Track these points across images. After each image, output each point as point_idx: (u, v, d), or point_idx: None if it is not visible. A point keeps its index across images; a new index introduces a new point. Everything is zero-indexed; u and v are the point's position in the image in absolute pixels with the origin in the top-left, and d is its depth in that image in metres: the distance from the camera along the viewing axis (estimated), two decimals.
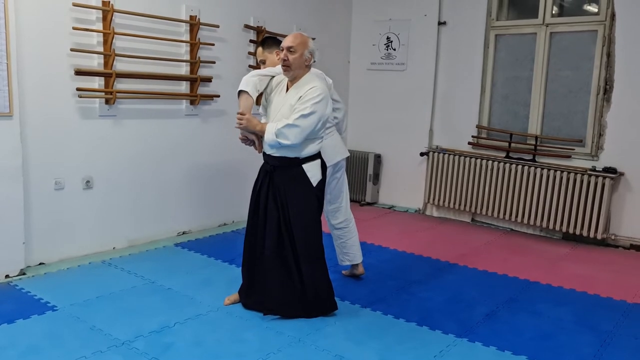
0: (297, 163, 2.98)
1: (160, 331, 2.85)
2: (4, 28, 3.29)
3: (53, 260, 3.78)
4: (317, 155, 3.05)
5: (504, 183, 5.10)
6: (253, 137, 3.03)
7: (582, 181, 4.68)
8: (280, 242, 3.00)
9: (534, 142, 5.05)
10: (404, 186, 5.90)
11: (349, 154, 3.64)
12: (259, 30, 4.95)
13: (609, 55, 4.63)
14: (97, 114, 3.91)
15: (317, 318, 3.05)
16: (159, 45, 4.21)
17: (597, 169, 4.67)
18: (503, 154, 5.19)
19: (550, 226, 4.86)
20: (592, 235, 4.65)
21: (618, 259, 4.40)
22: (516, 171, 5.02)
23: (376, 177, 6.04)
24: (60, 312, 3.03)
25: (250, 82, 3.00)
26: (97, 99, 3.89)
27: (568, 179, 4.74)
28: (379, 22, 5.89)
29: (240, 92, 2.99)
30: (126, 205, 4.17)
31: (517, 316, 3.20)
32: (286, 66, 2.92)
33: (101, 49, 3.83)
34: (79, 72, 3.71)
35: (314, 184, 3.01)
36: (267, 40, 3.45)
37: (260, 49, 3.44)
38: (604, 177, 4.58)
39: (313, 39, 3.08)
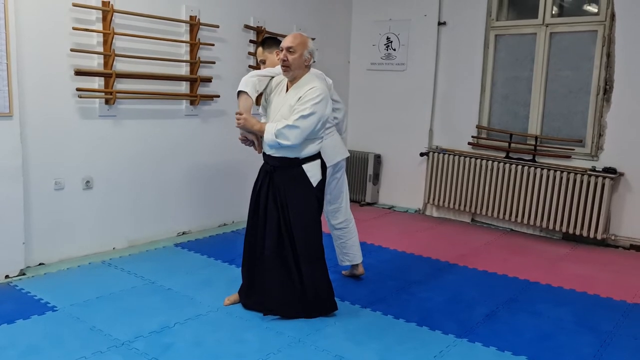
0: (297, 163, 2.98)
1: (160, 331, 2.84)
2: (4, 28, 3.29)
3: (53, 261, 3.78)
4: (317, 156, 3.05)
5: (504, 183, 5.10)
6: (253, 137, 3.03)
7: (582, 181, 4.68)
8: (280, 242, 3.00)
9: (533, 142, 5.05)
10: (404, 186, 5.90)
11: (349, 154, 3.64)
12: (259, 30, 4.95)
13: (609, 56, 4.63)
14: (97, 114, 3.91)
15: (317, 318, 3.05)
16: (159, 46, 4.21)
17: (597, 169, 4.67)
18: (503, 154, 5.20)
19: (550, 226, 4.86)
20: (592, 235, 4.65)
21: (618, 259, 4.40)
22: (516, 171, 5.02)
23: (376, 177, 6.04)
24: (60, 312, 3.03)
25: (250, 82, 3.00)
26: (97, 99, 3.89)
27: (568, 179, 4.74)
28: (379, 22, 5.90)
29: (239, 92, 2.99)
30: (126, 206, 4.17)
31: (517, 316, 3.20)
32: (286, 66, 2.92)
33: (101, 49, 3.83)
34: (79, 72, 3.71)
35: (314, 184, 3.01)
36: (267, 40, 3.45)
37: (260, 49, 3.44)
38: (604, 177, 4.58)
39: (313, 39, 3.08)
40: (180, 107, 4.47)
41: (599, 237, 4.63)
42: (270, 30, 4.99)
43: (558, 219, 4.80)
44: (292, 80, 2.98)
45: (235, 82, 3.17)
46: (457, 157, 5.39)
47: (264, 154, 3.06)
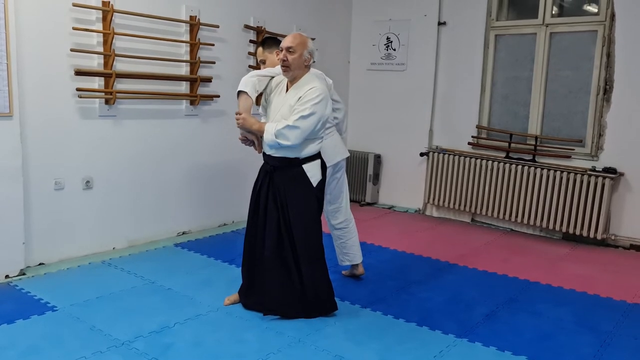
0: (297, 163, 2.98)
1: (160, 331, 2.84)
2: (4, 28, 3.29)
3: (53, 261, 3.78)
4: (317, 156, 3.05)
5: (504, 183, 5.10)
6: (253, 137, 3.03)
7: (582, 181, 4.68)
8: (280, 242, 2.99)
9: (533, 142, 5.05)
10: (404, 186, 5.90)
11: (349, 154, 3.64)
12: (259, 30, 4.95)
13: (609, 56, 4.63)
14: (97, 114, 3.91)
15: (317, 318, 3.05)
16: (159, 46, 4.21)
17: (597, 169, 4.67)
18: (503, 154, 5.19)
19: (550, 226, 4.86)
20: (592, 235, 4.65)
21: (618, 259, 4.40)
22: (516, 171, 5.02)
23: (376, 177, 6.04)
24: (60, 312, 3.03)
25: (249, 82, 3.00)
26: (97, 99, 3.89)
27: (568, 179, 4.74)
28: (379, 22, 5.90)
29: (239, 92, 2.99)
30: (126, 206, 4.17)
31: (517, 316, 3.20)
32: (285, 66, 2.92)
33: (101, 49, 3.83)
34: (79, 73, 3.71)
35: (314, 184, 3.01)
36: (267, 40, 3.45)
37: (260, 49, 3.44)
38: (604, 177, 4.58)
39: (313, 39, 3.08)
40: (180, 107, 4.47)
41: (599, 237, 4.63)
42: (270, 30, 4.99)
43: (558, 219, 4.80)
44: (292, 81, 2.98)
45: (235, 82, 3.17)
46: (457, 157, 5.39)
47: (264, 154, 3.06)
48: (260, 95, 3.13)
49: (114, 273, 3.67)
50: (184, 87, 4.46)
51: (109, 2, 3.80)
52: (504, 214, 5.11)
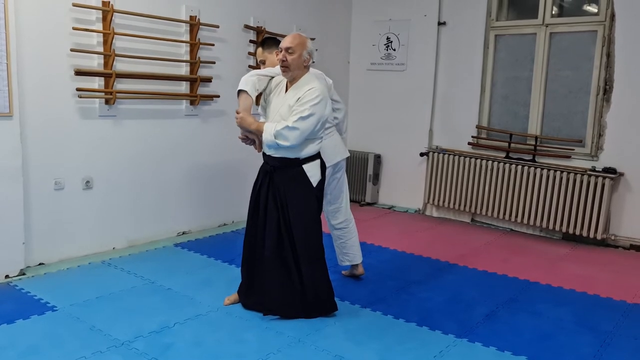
0: (297, 163, 2.98)
1: (160, 331, 2.84)
2: (4, 28, 3.29)
3: (53, 261, 3.78)
4: (317, 156, 3.05)
5: (503, 183, 5.10)
6: (254, 136, 3.03)
7: (582, 181, 4.68)
8: (280, 242, 2.99)
9: (533, 143, 5.05)
10: (404, 186, 5.90)
11: (349, 154, 3.64)
12: (259, 30, 4.95)
13: (609, 56, 4.63)
14: (97, 114, 3.91)
15: (317, 318, 3.05)
16: (159, 46, 4.21)
17: (596, 169, 4.67)
18: (503, 154, 5.19)
19: (550, 226, 4.86)
20: (592, 235, 4.65)
21: (618, 259, 4.40)
22: (516, 171, 5.02)
23: (376, 177, 6.04)
24: (60, 312, 3.03)
25: (249, 81, 3.00)
26: (97, 99, 3.89)
27: (568, 179, 4.74)
28: (379, 22, 5.90)
29: (239, 91, 2.99)
30: (126, 206, 4.17)
31: (517, 316, 3.20)
32: (285, 67, 2.92)
33: (101, 49, 3.83)
34: (79, 73, 3.71)
35: (314, 184, 3.01)
36: (267, 40, 3.45)
37: (260, 50, 3.44)
38: (604, 177, 4.58)
39: (312, 39, 3.08)
40: (180, 107, 4.47)
41: (599, 237, 4.63)
42: (270, 30, 4.99)
43: (558, 219, 4.80)
44: (291, 81, 2.98)
45: (235, 82, 3.17)
46: (457, 157, 5.39)
47: (264, 154, 3.06)
48: (260, 94, 3.13)
49: (113, 273, 3.67)
50: (184, 87, 4.46)
51: (109, 2, 3.80)
52: (504, 214, 5.11)
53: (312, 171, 3.01)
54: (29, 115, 3.52)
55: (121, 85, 4.00)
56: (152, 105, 4.24)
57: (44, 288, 3.34)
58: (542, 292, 3.63)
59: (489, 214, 5.22)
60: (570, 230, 4.76)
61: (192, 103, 4.51)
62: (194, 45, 4.41)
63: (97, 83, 3.86)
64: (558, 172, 4.80)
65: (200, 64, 4.45)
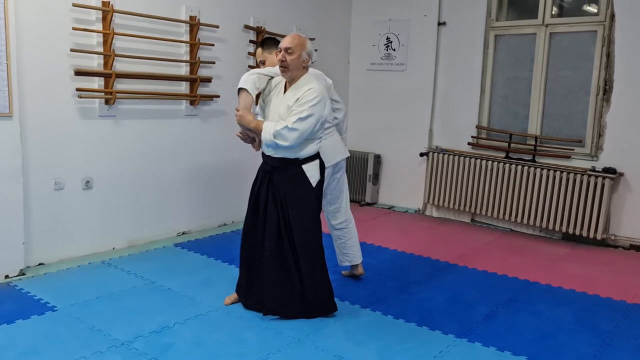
0: (296, 163, 2.98)
1: (160, 331, 2.85)
2: (3, 28, 3.29)
3: (53, 261, 3.78)
4: (316, 156, 3.05)
5: (503, 183, 5.10)
6: (253, 134, 3.02)
7: (581, 181, 4.68)
8: (280, 242, 2.99)
9: (533, 143, 5.05)
10: (404, 186, 5.90)
11: (349, 154, 3.64)
12: (258, 30, 4.95)
13: (609, 56, 4.63)
14: (97, 114, 3.91)
15: (317, 318, 3.05)
16: (159, 46, 4.21)
17: (596, 169, 4.67)
18: (503, 154, 5.20)
19: (550, 226, 4.86)
20: (591, 235, 4.65)
21: (618, 259, 4.40)
22: (516, 171, 5.02)
23: (376, 178, 6.04)
24: (59, 312, 3.03)
25: (250, 80, 3.00)
26: (97, 99, 3.89)
27: (568, 179, 4.74)
28: (379, 22, 5.90)
29: (239, 89, 2.99)
30: (126, 206, 4.17)
31: (517, 316, 3.20)
32: (284, 67, 2.92)
33: (101, 50, 3.83)
34: (78, 73, 3.71)
35: (314, 185, 3.01)
36: (266, 40, 3.45)
37: (260, 50, 3.44)
38: (604, 178, 4.58)
39: (312, 39, 3.08)
40: (180, 107, 4.47)
41: (598, 237, 4.63)
42: (270, 31, 5.00)
43: (558, 219, 4.80)
44: (290, 81, 2.98)
45: (235, 82, 3.17)
46: (457, 157, 5.39)
47: (263, 154, 3.06)
48: (259, 94, 3.13)
49: (113, 273, 3.67)
50: (183, 87, 4.46)
51: (109, 2, 3.80)
52: (504, 214, 5.12)
53: (311, 171, 3.00)
54: (29, 116, 3.52)
55: (121, 85, 4.00)
56: (152, 105, 4.25)
57: (43, 288, 3.34)
58: (542, 292, 3.63)
59: (489, 214, 5.22)
60: (570, 230, 4.76)
61: (192, 103, 4.51)
62: (194, 46, 4.41)
63: (97, 83, 3.86)
64: (558, 172, 4.80)
65: (200, 64, 4.45)
